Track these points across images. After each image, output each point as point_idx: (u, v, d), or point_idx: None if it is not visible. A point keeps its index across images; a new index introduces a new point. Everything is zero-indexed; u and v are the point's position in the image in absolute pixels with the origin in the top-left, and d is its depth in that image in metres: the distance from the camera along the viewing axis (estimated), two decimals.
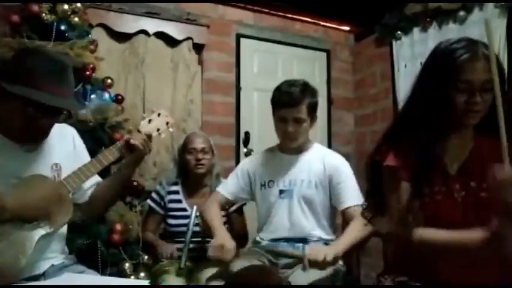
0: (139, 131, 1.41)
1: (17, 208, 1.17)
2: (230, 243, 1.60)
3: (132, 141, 1.37)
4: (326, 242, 1.75)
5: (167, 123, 1.48)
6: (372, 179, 1.25)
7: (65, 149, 1.39)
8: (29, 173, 1.25)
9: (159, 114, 1.47)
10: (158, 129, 1.46)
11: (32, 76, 1.19)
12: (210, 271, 1.73)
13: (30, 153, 1.29)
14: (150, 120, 1.44)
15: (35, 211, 1.21)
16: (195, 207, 1.90)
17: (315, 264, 1.44)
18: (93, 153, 1.50)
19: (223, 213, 1.99)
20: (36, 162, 1.29)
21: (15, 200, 1.17)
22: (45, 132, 1.30)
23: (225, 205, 1.97)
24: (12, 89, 1.17)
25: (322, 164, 1.79)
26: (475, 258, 1.04)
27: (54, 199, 1.24)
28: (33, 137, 1.29)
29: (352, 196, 1.73)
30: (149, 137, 1.41)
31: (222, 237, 1.63)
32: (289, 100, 1.71)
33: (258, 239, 1.87)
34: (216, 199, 1.88)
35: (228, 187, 1.90)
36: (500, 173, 0.91)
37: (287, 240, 1.77)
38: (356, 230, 1.60)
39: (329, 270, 1.58)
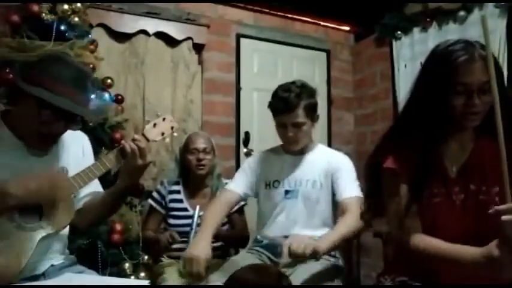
0: (143, 135, 1.40)
1: (21, 193, 1.15)
2: (203, 253, 1.49)
3: (126, 146, 1.33)
4: None
5: (172, 127, 1.50)
6: (371, 180, 1.25)
7: (74, 154, 1.40)
8: None
9: (164, 119, 1.48)
10: (163, 134, 1.46)
11: (52, 80, 1.20)
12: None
13: (40, 157, 1.30)
14: (155, 125, 1.45)
15: (39, 196, 1.19)
16: (197, 208, 1.89)
17: (294, 255, 1.42)
18: (93, 153, 1.50)
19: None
20: (45, 165, 1.29)
21: (19, 185, 1.16)
22: (55, 138, 1.31)
23: (237, 202, 1.88)
24: (30, 90, 1.18)
25: (326, 163, 1.80)
26: (472, 272, 1.04)
27: (58, 188, 1.23)
28: (42, 141, 1.28)
29: (349, 188, 1.72)
30: (141, 150, 1.33)
31: (195, 247, 1.52)
32: (285, 106, 1.70)
33: (259, 237, 1.87)
34: (225, 197, 1.82)
35: (237, 183, 1.86)
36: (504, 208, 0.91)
37: None
38: (346, 225, 1.59)
39: (328, 264, 1.60)
